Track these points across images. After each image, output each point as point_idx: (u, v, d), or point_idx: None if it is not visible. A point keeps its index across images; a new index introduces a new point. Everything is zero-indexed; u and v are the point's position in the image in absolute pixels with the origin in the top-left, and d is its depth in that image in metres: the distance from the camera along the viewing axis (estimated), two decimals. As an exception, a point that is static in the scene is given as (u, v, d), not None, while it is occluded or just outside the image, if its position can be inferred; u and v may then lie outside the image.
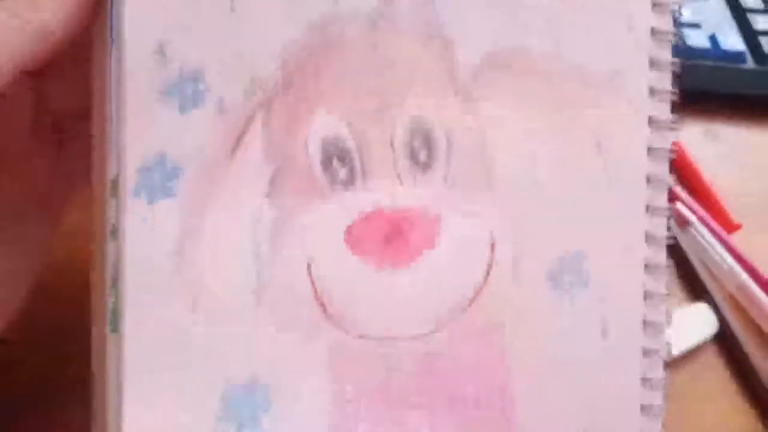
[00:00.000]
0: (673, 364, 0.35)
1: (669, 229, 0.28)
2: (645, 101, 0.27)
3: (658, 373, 0.28)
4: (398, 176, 0.25)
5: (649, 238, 0.27)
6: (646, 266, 0.27)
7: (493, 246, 0.26)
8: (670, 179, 0.27)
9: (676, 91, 0.27)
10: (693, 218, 0.40)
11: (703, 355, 0.37)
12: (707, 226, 0.40)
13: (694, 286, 0.38)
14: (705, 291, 0.38)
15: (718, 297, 0.38)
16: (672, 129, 0.27)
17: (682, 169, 0.43)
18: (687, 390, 0.35)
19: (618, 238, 0.27)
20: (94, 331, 0.25)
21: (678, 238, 0.40)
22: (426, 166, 0.25)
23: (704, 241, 0.40)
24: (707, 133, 0.46)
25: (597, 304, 0.27)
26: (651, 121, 0.27)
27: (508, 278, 0.26)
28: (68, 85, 0.27)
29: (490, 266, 0.26)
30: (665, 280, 0.28)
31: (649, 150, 0.27)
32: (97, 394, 0.25)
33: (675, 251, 0.39)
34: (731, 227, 0.41)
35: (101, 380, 0.25)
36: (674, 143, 0.43)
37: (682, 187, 0.42)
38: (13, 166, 0.27)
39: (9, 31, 0.23)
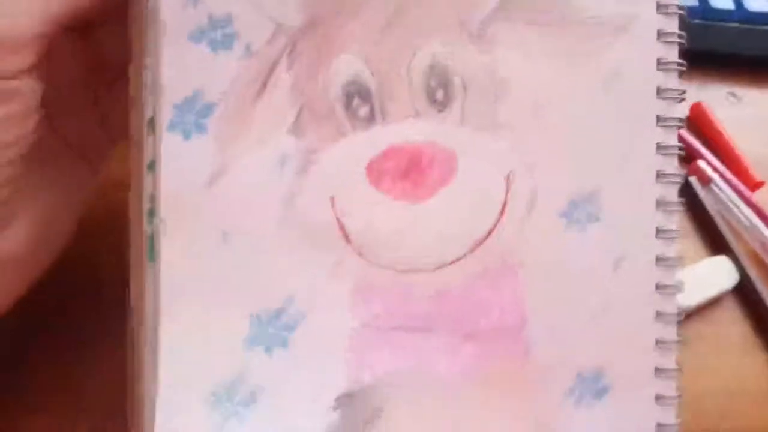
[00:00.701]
0: (692, 314, 0.36)
1: (685, 186, 0.29)
2: (653, 44, 0.28)
3: (672, 307, 0.29)
4: (416, 114, 0.27)
5: (660, 176, 0.28)
6: (658, 203, 0.28)
7: (508, 184, 0.27)
8: (680, 119, 0.28)
9: (684, 34, 0.28)
10: (715, 176, 0.41)
11: (723, 307, 0.37)
12: (729, 183, 0.41)
13: (715, 242, 0.39)
14: (726, 247, 0.38)
15: (739, 252, 0.38)
16: (680, 70, 0.28)
17: (705, 128, 0.44)
18: (706, 341, 0.36)
19: (630, 175, 0.28)
20: (133, 262, 0.27)
21: (700, 196, 0.40)
22: (442, 105, 0.27)
23: (726, 199, 0.40)
24: (731, 94, 0.46)
25: (610, 240, 0.28)
26: (659, 63, 0.28)
27: (523, 216, 0.27)
28: (118, 38, 0.28)
29: (504, 204, 0.27)
30: (677, 218, 0.28)
31: (659, 90, 0.28)
32: (134, 325, 0.27)
33: (697, 208, 0.40)
34: (754, 185, 0.41)
35: (139, 311, 0.26)
36: (697, 104, 0.44)
37: (705, 147, 0.43)
38: (61, 118, 0.29)
39: None
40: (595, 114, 0.28)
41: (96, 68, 0.30)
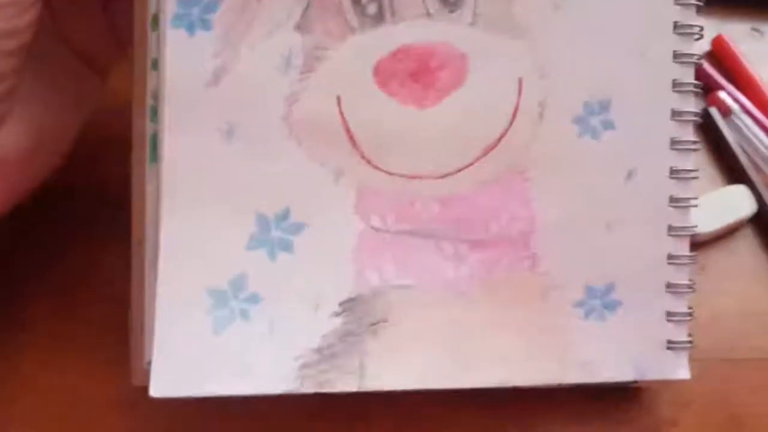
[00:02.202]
0: (709, 242, 0.35)
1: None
2: None
3: (685, 222, 0.28)
4: (427, 13, 0.26)
5: (676, 85, 0.27)
6: (673, 113, 0.27)
7: (520, 89, 0.27)
8: (698, 28, 0.27)
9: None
10: (735, 106, 0.40)
11: (740, 235, 0.36)
12: (750, 114, 0.40)
13: (734, 172, 0.38)
14: (745, 177, 0.38)
15: (758, 182, 0.37)
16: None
17: (726, 61, 0.42)
18: (722, 267, 0.35)
19: (645, 83, 0.27)
20: (135, 171, 0.26)
21: (720, 126, 0.39)
22: (454, 5, 0.26)
23: (746, 129, 0.40)
24: (754, 30, 0.45)
25: (622, 149, 0.27)
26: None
27: (535, 121, 0.27)
28: None
29: (516, 109, 0.27)
30: (692, 129, 0.28)
31: (677, -1, 0.27)
32: (136, 227, 0.27)
33: (717, 139, 0.39)
34: (775, 117, 0.40)
35: (140, 220, 0.26)
36: (719, 36, 0.43)
37: (726, 79, 0.42)
38: (66, 20, 0.29)
39: None
40: (612, 17, 0.27)
41: None
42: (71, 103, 0.29)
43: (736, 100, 0.40)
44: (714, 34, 0.44)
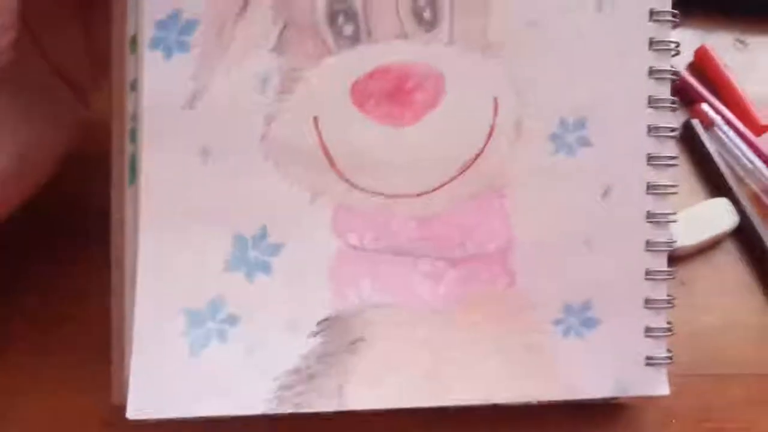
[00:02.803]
0: (691, 255, 0.35)
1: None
2: None
3: (663, 237, 0.28)
4: (403, 33, 0.26)
5: (652, 101, 0.27)
6: (650, 129, 0.28)
7: (496, 107, 0.27)
8: (674, 44, 0.27)
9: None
10: (718, 118, 0.40)
11: (722, 249, 0.37)
12: (733, 127, 0.40)
13: (716, 185, 0.38)
14: (727, 189, 0.38)
15: (740, 195, 0.37)
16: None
17: (709, 72, 0.43)
18: (703, 281, 0.35)
19: (621, 99, 0.27)
20: (114, 191, 0.27)
21: (702, 139, 0.39)
22: (430, 25, 0.26)
23: (729, 141, 0.40)
24: (738, 41, 0.45)
25: (599, 165, 0.27)
26: (654, -16, 0.27)
27: (511, 140, 0.27)
28: None
29: (492, 127, 0.27)
30: (671, 144, 0.28)
31: (652, 13, 0.27)
32: (116, 248, 0.27)
33: (698, 151, 0.39)
34: (759, 129, 0.40)
35: (119, 240, 0.26)
36: (703, 47, 0.43)
37: (709, 91, 0.42)
38: (46, 38, 0.28)
39: None
40: (587, 33, 0.27)
41: None
42: (55, 123, 0.29)
43: (718, 112, 0.41)
44: (697, 45, 0.44)
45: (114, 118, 0.26)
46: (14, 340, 0.29)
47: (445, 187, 0.27)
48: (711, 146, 0.39)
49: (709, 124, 0.40)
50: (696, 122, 0.40)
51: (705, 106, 0.41)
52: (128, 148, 0.26)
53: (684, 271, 0.35)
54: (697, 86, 0.42)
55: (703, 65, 0.43)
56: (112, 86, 0.27)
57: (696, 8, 0.42)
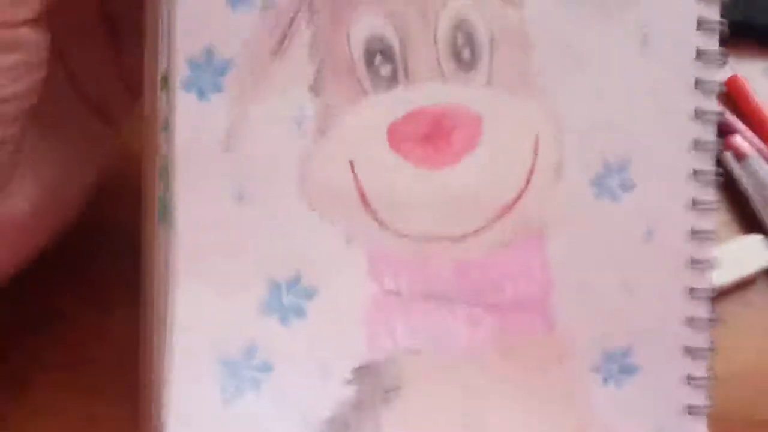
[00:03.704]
0: (724, 293, 0.35)
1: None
2: (693, 2, 0.26)
3: (705, 284, 0.27)
4: (441, 75, 0.25)
5: (696, 143, 0.27)
6: (694, 173, 0.27)
7: (536, 149, 0.26)
8: (719, 83, 0.27)
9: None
10: (751, 151, 0.39)
11: (757, 287, 0.36)
12: (767, 159, 0.39)
13: (750, 221, 0.37)
14: (761, 226, 0.37)
15: (775, 230, 0.37)
16: (721, 30, 0.26)
17: (741, 103, 0.42)
18: (738, 321, 0.34)
19: (665, 143, 0.27)
20: (145, 227, 0.26)
21: (735, 172, 0.39)
22: (469, 65, 0.26)
23: (764, 175, 0.39)
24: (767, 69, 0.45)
25: (641, 210, 0.27)
26: (699, 23, 0.26)
27: (551, 182, 0.26)
28: None
29: (532, 170, 0.26)
30: (713, 189, 0.27)
31: (698, 52, 0.26)
32: (146, 288, 0.26)
33: (731, 185, 0.39)
34: (792, 162, 0.40)
35: (149, 279, 0.26)
36: (733, 77, 0.42)
37: (742, 122, 0.41)
38: (78, 68, 0.28)
39: None
40: (630, 73, 0.26)
41: (115, 16, 0.29)
42: (82, 159, 0.29)
43: (751, 144, 0.40)
44: (728, 74, 0.43)
45: (145, 157, 0.26)
46: (32, 387, 0.28)
47: (484, 230, 0.26)
48: (745, 180, 0.38)
49: (742, 157, 0.39)
50: (728, 155, 0.39)
51: (738, 139, 0.40)
52: (160, 188, 0.25)
53: (717, 310, 0.34)
54: (730, 117, 0.41)
55: (734, 95, 0.42)
56: (144, 124, 0.26)
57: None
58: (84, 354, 0.29)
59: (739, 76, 0.43)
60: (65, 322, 0.30)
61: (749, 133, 0.41)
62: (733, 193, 0.39)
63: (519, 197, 0.26)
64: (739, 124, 0.41)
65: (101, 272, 0.31)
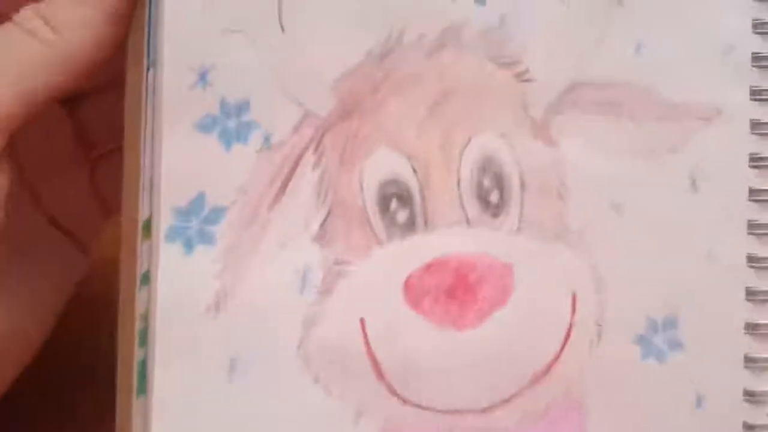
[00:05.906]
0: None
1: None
2: (746, 136, 0.24)
3: (764, 451, 0.24)
4: (466, 220, 0.22)
5: (750, 293, 0.24)
6: (747, 326, 0.24)
7: (573, 305, 0.23)
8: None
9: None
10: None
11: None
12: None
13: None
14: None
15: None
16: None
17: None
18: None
19: (717, 294, 0.24)
20: (120, 393, 0.23)
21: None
22: (497, 209, 0.23)
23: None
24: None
25: (692, 370, 0.24)
26: (752, 158, 0.24)
27: (591, 343, 0.23)
28: (104, 113, 0.26)
29: (569, 329, 0.23)
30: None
31: (751, 191, 0.24)
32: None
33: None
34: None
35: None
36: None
37: None
38: (48, 195, 0.26)
39: (36, 55, 0.22)
40: (679, 218, 0.23)
41: (86, 143, 0.27)
42: (49, 286, 0.27)
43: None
44: None
45: (120, 316, 0.22)
46: None
47: (515, 399, 0.23)
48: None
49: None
50: None
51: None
52: (138, 352, 0.22)
53: None
54: None
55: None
56: (120, 277, 0.22)
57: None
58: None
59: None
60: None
61: None
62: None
63: (555, 360, 0.23)
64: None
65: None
